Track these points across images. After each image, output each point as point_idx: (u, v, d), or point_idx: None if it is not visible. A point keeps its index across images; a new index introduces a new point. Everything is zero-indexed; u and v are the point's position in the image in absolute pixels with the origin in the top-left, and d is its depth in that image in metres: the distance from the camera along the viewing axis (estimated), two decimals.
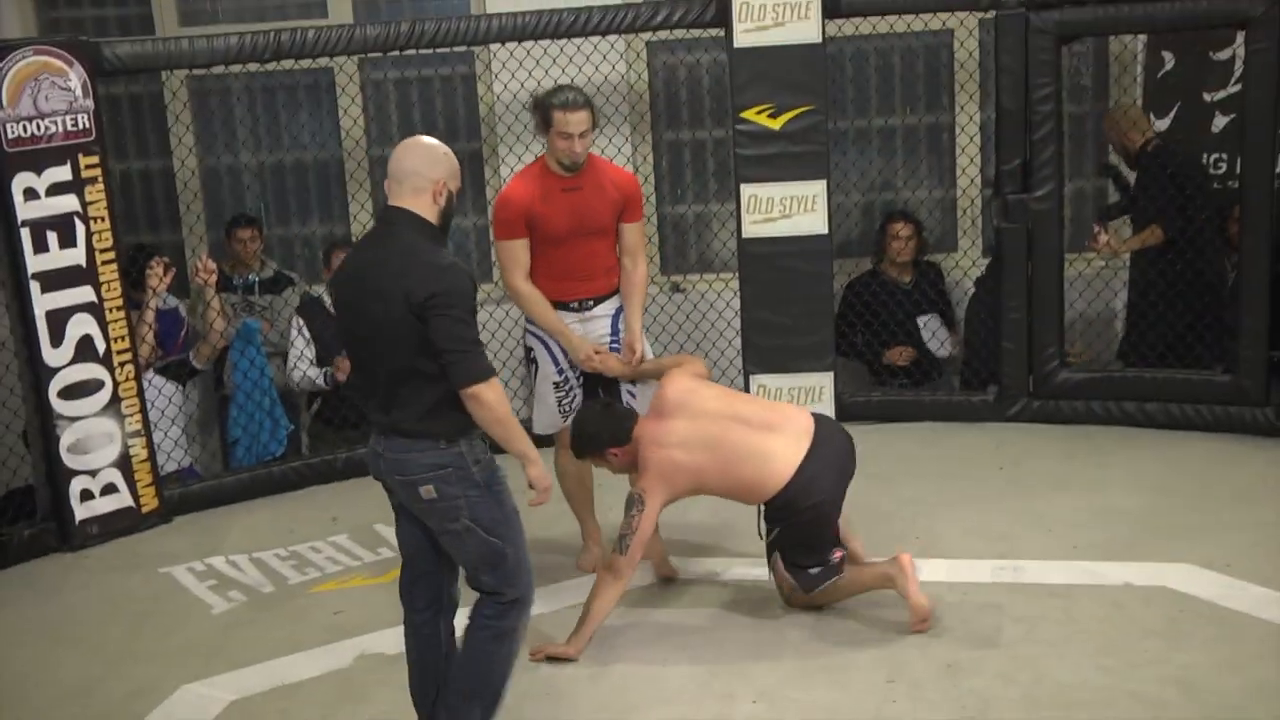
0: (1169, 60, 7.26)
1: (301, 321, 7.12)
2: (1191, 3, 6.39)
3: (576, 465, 5.28)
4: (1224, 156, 7.07)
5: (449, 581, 4.09)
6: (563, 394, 5.36)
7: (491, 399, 3.76)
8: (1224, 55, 7.04)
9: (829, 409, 6.74)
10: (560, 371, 5.34)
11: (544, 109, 5.11)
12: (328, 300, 6.99)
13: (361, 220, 8.01)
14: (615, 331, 5.40)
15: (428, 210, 3.83)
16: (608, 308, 5.39)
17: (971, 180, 7.69)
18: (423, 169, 3.83)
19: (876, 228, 7.67)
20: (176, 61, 6.66)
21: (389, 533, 5.97)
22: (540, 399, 5.42)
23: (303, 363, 7.06)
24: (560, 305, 5.27)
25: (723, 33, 6.88)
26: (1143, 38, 7.40)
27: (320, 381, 7.06)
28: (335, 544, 5.98)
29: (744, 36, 6.79)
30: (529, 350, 5.43)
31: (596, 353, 5.24)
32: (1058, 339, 6.85)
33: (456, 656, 4.03)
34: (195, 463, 7.15)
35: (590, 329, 5.34)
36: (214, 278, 6.81)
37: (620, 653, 4.74)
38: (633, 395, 5.37)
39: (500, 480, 3.92)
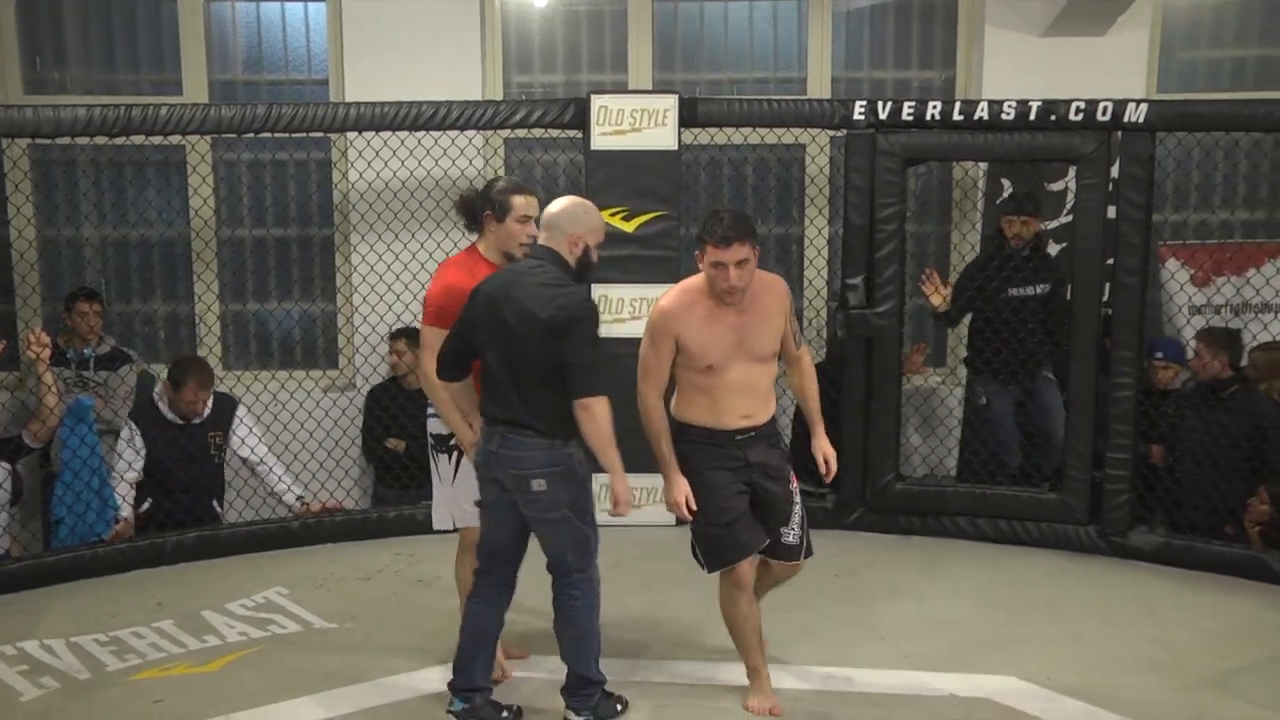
0: (1007, 188, 7.50)
1: (135, 429, 6.91)
2: (1029, 136, 6.66)
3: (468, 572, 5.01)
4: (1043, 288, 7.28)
5: (516, 571, 4.72)
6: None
7: (599, 412, 4.39)
8: (1058, 186, 7.32)
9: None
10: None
11: (502, 195, 4.94)
12: (165, 410, 6.88)
13: (207, 300, 7.90)
14: None
15: (567, 254, 4.56)
16: None
17: (818, 292, 7.83)
18: (563, 224, 4.56)
19: None
20: (19, 130, 6.53)
21: (216, 619, 5.88)
22: (460, 487, 5.00)
23: (130, 474, 6.84)
24: None
25: (580, 134, 7.00)
26: (984, 165, 7.66)
27: (134, 511, 6.89)
28: (159, 630, 5.81)
29: (601, 140, 6.90)
30: (443, 439, 5.04)
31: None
32: (894, 453, 6.99)
33: (565, 633, 4.65)
34: (11, 547, 6.89)
35: None
36: (47, 351, 6.62)
37: None
38: None
39: (590, 477, 4.55)
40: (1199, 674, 5.25)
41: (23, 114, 6.48)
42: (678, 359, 4.72)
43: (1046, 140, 6.66)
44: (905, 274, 7.00)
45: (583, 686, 4.65)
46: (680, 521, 4.88)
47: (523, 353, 4.42)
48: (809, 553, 4.94)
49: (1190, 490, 6.78)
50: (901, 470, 7.11)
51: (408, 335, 7.47)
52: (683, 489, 4.68)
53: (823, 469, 4.96)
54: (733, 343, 4.66)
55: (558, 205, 4.62)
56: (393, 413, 7.50)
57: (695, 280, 4.76)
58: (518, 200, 4.93)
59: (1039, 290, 7.11)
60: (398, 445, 7.54)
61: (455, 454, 5.02)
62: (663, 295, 4.82)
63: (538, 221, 4.78)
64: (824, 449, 4.96)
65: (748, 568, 4.76)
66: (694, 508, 4.68)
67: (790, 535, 4.86)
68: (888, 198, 6.78)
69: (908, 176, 6.93)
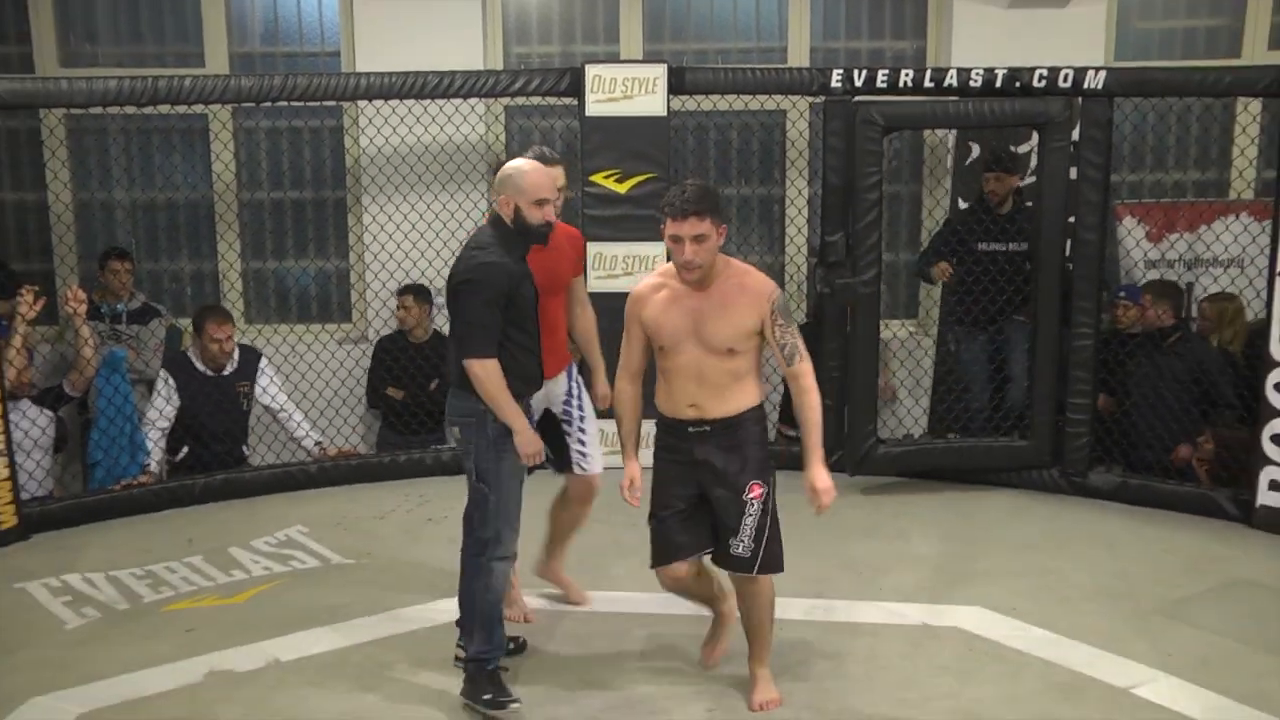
0: (975, 150, 7.47)
1: (170, 377, 6.88)
2: (1006, 102, 6.57)
3: (568, 514, 5.11)
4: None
5: None
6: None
7: (479, 373, 4.20)
8: (1024, 149, 7.26)
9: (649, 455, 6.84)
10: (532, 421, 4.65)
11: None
12: (197, 363, 6.87)
13: (229, 258, 7.89)
14: (570, 391, 5.00)
15: (505, 215, 4.30)
16: (563, 378, 4.98)
17: (799, 248, 7.82)
18: (497, 186, 4.34)
19: None
20: (55, 100, 6.52)
21: (242, 555, 5.91)
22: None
23: (161, 422, 6.83)
24: None
25: (576, 102, 6.96)
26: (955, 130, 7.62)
27: (161, 462, 6.90)
28: (190, 565, 5.83)
29: (595, 106, 6.86)
30: None
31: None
32: (873, 417, 6.84)
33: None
34: (55, 489, 6.89)
35: (552, 391, 4.91)
36: (84, 306, 6.62)
37: None
38: (585, 435, 5.02)
39: (506, 442, 4.29)
40: (1152, 602, 5.29)
41: (58, 85, 6.44)
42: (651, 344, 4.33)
43: (1022, 106, 6.56)
44: (883, 238, 6.86)
45: (466, 655, 4.43)
46: None
47: (450, 310, 4.37)
48: (767, 567, 4.25)
49: (1143, 430, 6.80)
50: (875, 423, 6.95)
51: (414, 291, 7.45)
52: (628, 474, 4.38)
53: (811, 501, 4.28)
54: (687, 325, 4.17)
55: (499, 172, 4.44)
56: (402, 363, 7.47)
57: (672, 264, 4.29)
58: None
59: (1010, 247, 7.04)
60: (396, 394, 7.52)
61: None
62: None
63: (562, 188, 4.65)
64: (814, 480, 4.26)
65: (679, 572, 4.36)
66: (636, 495, 4.35)
67: (739, 546, 4.22)
68: (869, 167, 6.60)
69: (888, 145, 6.83)
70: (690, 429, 4.22)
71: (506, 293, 4.25)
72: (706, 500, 4.26)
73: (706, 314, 4.15)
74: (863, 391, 6.80)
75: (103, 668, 4.76)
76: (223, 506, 6.69)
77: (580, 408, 5.01)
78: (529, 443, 4.32)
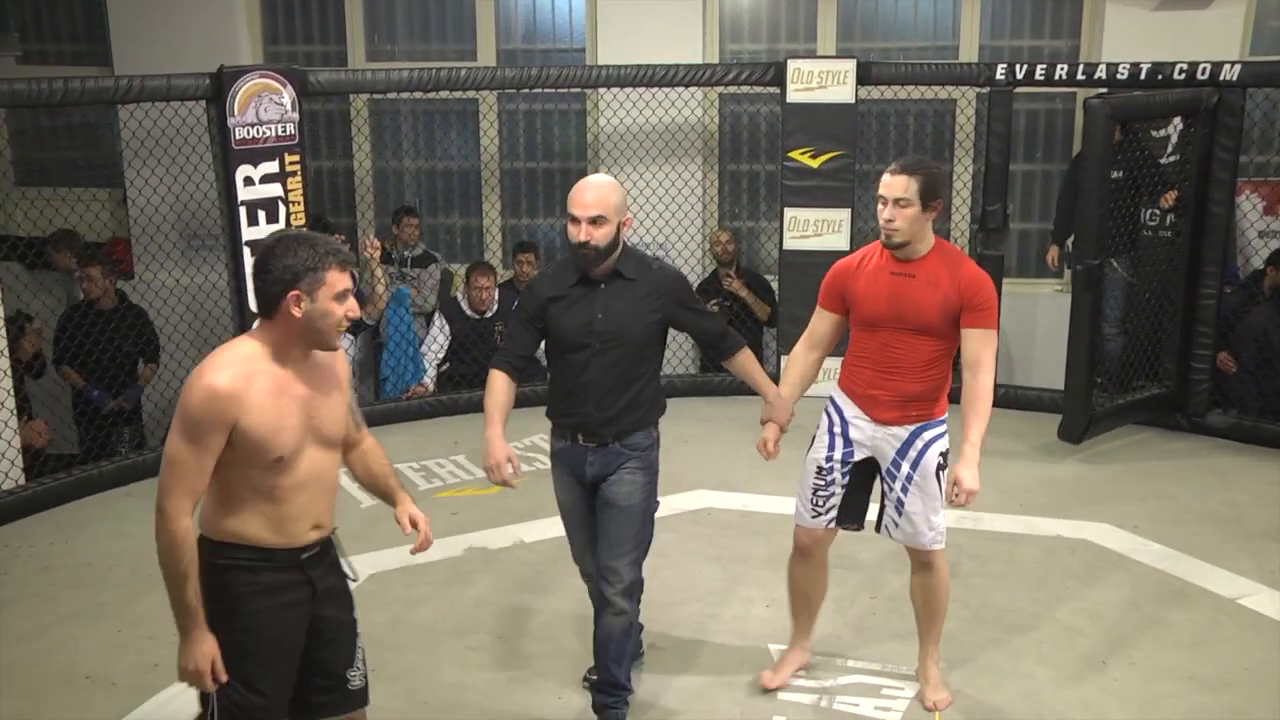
0: (1117, 133, 7.12)
1: (444, 319, 7.08)
2: (1163, 94, 6.20)
3: (805, 572, 3.87)
4: (1156, 212, 6.91)
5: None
6: (821, 483, 3.72)
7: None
8: (1162, 133, 6.91)
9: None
10: (829, 459, 3.71)
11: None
12: (464, 306, 7.05)
13: (492, 216, 8.08)
14: (903, 453, 3.65)
15: None
16: (901, 431, 3.66)
17: (963, 216, 7.63)
18: None
19: None
20: (361, 88, 6.77)
21: None
22: (802, 480, 3.78)
23: (433, 349, 7.06)
24: (852, 395, 3.71)
25: (778, 90, 6.90)
26: None
27: (434, 379, 7.10)
28: (456, 462, 6.06)
29: (795, 95, 6.81)
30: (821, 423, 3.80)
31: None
32: (1089, 389, 6.14)
33: None
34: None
35: (879, 439, 3.67)
36: (378, 252, 6.90)
37: (664, 560, 4.76)
38: (902, 505, 3.69)
39: (554, 470, 3.75)
40: (1258, 527, 5.10)
41: (364, 76, 6.72)
42: (228, 458, 2.58)
43: (1191, 94, 6.10)
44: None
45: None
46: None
47: None
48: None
49: (1262, 381, 6.45)
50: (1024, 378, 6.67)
51: (534, 249, 7.47)
52: (206, 654, 2.58)
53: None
54: (301, 422, 2.65)
55: None
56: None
57: (246, 343, 2.66)
58: (881, 180, 3.57)
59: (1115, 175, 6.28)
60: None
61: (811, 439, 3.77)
62: (205, 368, 2.57)
63: (901, 202, 3.47)
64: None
65: None
66: (221, 678, 2.61)
67: (358, 677, 2.88)
68: (1098, 158, 5.79)
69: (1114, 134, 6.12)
70: (304, 554, 2.73)
71: (533, 312, 3.59)
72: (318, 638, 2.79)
73: (319, 399, 2.71)
74: (1084, 367, 5.96)
75: (386, 540, 4.95)
76: (481, 417, 6.87)
77: (911, 476, 3.66)
78: (487, 454, 3.54)
